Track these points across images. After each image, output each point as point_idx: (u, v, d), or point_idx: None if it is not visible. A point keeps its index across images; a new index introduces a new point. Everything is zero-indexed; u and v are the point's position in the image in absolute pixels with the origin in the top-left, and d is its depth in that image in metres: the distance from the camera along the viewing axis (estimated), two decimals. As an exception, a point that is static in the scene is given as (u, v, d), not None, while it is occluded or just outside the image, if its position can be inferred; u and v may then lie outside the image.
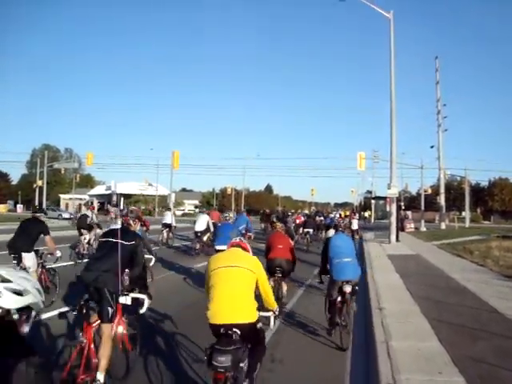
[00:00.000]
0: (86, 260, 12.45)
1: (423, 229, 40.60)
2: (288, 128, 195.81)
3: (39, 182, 52.15)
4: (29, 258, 8.19)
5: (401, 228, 30.52)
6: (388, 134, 24.57)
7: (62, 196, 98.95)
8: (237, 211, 31.98)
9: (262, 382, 4.71)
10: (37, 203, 53.49)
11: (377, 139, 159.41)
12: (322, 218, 28.45)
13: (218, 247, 10.45)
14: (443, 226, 42.30)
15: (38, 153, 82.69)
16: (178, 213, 72.21)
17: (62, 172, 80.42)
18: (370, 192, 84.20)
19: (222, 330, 3.86)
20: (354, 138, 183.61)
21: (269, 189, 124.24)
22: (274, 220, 11.25)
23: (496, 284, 10.87)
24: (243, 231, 15.47)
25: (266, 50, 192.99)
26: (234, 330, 3.84)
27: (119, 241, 4.83)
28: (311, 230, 22.13)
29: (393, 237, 24.03)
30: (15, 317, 3.02)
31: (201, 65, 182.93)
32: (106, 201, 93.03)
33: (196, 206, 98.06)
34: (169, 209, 25.65)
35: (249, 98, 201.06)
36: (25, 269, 7.59)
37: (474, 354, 5.43)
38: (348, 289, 6.48)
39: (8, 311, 2.98)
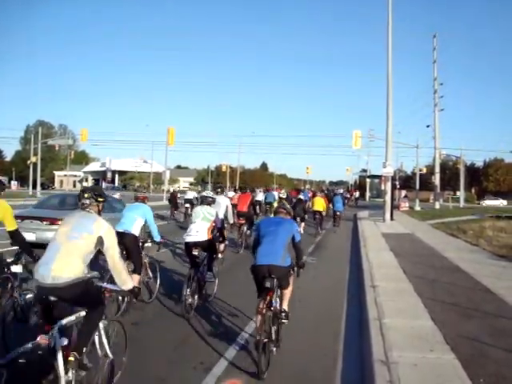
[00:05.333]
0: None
1: (418, 208, 40.76)
2: (284, 106, 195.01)
3: (33, 159, 51.63)
4: None
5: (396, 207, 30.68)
6: (384, 113, 24.52)
7: (56, 173, 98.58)
8: (266, 189, 32.43)
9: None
10: (31, 180, 53.29)
11: (373, 118, 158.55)
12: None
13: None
14: (437, 205, 42.47)
15: (32, 129, 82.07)
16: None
17: (57, 148, 79.76)
18: (365, 171, 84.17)
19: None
20: (350, 116, 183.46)
21: (264, 167, 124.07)
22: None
23: (489, 263, 10.95)
24: None
25: (263, 25, 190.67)
26: None
27: None
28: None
29: (387, 215, 24.14)
30: None
31: (197, 39, 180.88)
32: (100, 177, 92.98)
33: (191, 183, 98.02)
34: (190, 188, 28.25)
35: (244, 75, 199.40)
36: None
37: (466, 333, 5.48)
38: None
39: None
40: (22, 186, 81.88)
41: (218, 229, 8.11)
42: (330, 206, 23.64)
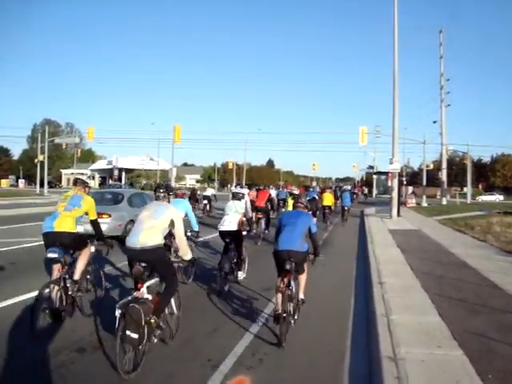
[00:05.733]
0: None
1: (424, 204, 40.64)
2: (289, 102, 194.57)
3: (40, 157, 51.92)
4: None
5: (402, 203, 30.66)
6: (390, 109, 24.44)
7: (63, 171, 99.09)
8: (278, 186, 33.91)
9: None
10: (38, 178, 53.57)
11: (379, 114, 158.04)
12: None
13: None
14: (444, 201, 42.30)
15: (39, 128, 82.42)
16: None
17: (64, 147, 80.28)
18: (371, 167, 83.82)
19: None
20: (357, 112, 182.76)
21: (270, 163, 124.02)
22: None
23: (497, 259, 10.90)
24: None
25: (268, 22, 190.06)
26: None
27: None
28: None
29: (394, 212, 24.08)
30: None
31: (202, 36, 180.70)
32: (107, 175, 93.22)
33: (197, 181, 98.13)
34: (210, 185, 30.74)
35: (250, 72, 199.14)
36: None
37: (474, 329, 5.47)
38: None
39: None
40: (30, 184, 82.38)
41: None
42: (338, 201, 25.83)
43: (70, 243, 6.08)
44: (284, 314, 5.39)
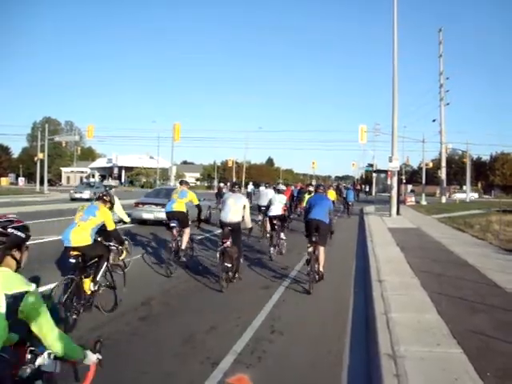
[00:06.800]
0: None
1: (424, 202, 40.67)
2: (290, 101, 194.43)
3: (40, 155, 51.82)
4: None
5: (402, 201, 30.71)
6: (390, 108, 24.45)
7: (63, 169, 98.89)
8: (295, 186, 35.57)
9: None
10: (38, 176, 53.54)
11: (378, 113, 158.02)
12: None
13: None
14: (444, 199, 42.34)
15: (39, 126, 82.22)
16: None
17: (63, 145, 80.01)
18: (371, 165, 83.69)
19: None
20: (356, 111, 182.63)
21: (270, 162, 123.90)
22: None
23: (496, 257, 10.93)
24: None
25: (269, 21, 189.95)
26: None
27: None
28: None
29: (393, 210, 24.11)
30: None
31: (202, 34, 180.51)
32: (107, 173, 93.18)
33: (197, 179, 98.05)
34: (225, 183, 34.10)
35: (250, 71, 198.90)
36: None
37: (473, 327, 5.48)
38: None
39: None
40: (30, 182, 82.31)
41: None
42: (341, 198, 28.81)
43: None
44: (311, 272, 7.91)
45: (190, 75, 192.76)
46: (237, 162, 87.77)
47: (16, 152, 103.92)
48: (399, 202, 26.18)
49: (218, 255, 8.12)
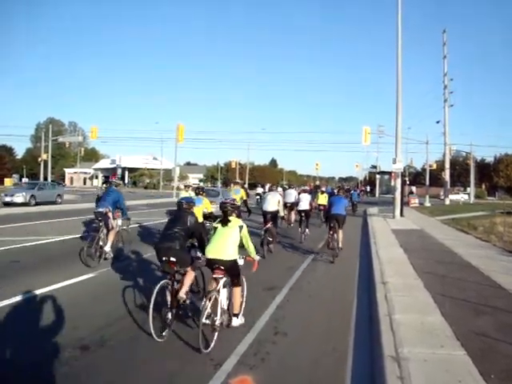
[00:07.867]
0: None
1: (427, 204, 40.56)
2: (293, 102, 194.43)
3: (44, 156, 51.93)
4: None
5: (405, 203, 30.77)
6: (393, 109, 24.39)
7: (66, 170, 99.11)
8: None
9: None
10: (42, 177, 53.66)
11: (382, 114, 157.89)
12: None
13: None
14: (448, 201, 42.23)
15: (43, 127, 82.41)
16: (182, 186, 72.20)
17: (67, 146, 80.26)
18: (374, 167, 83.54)
19: None
20: (359, 112, 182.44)
21: (273, 163, 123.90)
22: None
23: (500, 259, 10.90)
24: None
25: (271, 20, 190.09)
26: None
27: None
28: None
29: (397, 212, 24.04)
30: None
31: (205, 35, 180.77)
32: (110, 174, 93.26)
33: (200, 180, 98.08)
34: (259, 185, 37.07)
35: (253, 73, 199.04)
36: None
37: (476, 329, 5.47)
38: None
39: None
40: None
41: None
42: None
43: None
44: (332, 249, 11.22)
45: (193, 76, 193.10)
46: (240, 163, 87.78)
47: (20, 153, 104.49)
48: (403, 203, 26.12)
49: (262, 233, 11.96)
